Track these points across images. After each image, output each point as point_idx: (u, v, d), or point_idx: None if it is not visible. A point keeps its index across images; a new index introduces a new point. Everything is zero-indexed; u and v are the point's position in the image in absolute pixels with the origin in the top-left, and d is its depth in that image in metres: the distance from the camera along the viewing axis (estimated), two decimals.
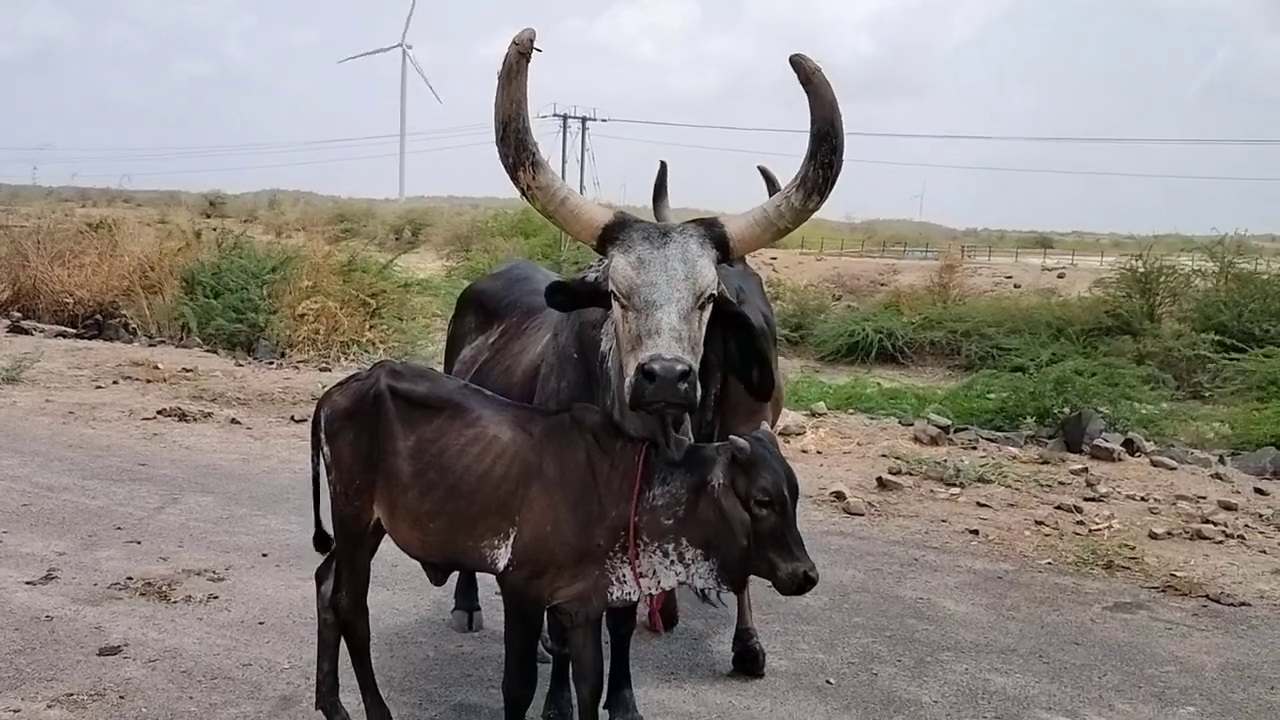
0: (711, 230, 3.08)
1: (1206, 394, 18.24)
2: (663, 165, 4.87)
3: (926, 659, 4.74)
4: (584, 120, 74.46)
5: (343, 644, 3.61)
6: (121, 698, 4.00)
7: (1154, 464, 8.63)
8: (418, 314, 16.86)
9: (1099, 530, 6.79)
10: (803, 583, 2.93)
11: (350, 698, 3.69)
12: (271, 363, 13.27)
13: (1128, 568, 6.14)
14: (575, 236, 3.27)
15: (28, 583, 5.17)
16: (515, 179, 3.14)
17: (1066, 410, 10.17)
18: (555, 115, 72.44)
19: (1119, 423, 10.22)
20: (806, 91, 2.96)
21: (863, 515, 7.09)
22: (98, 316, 15.75)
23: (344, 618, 3.55)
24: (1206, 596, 5.72)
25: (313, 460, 3.53)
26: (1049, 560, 6.27)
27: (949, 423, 9.91)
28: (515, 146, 3.09)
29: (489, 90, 3.12)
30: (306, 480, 3.65)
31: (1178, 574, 6.02)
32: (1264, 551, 6.55)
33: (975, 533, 6.74)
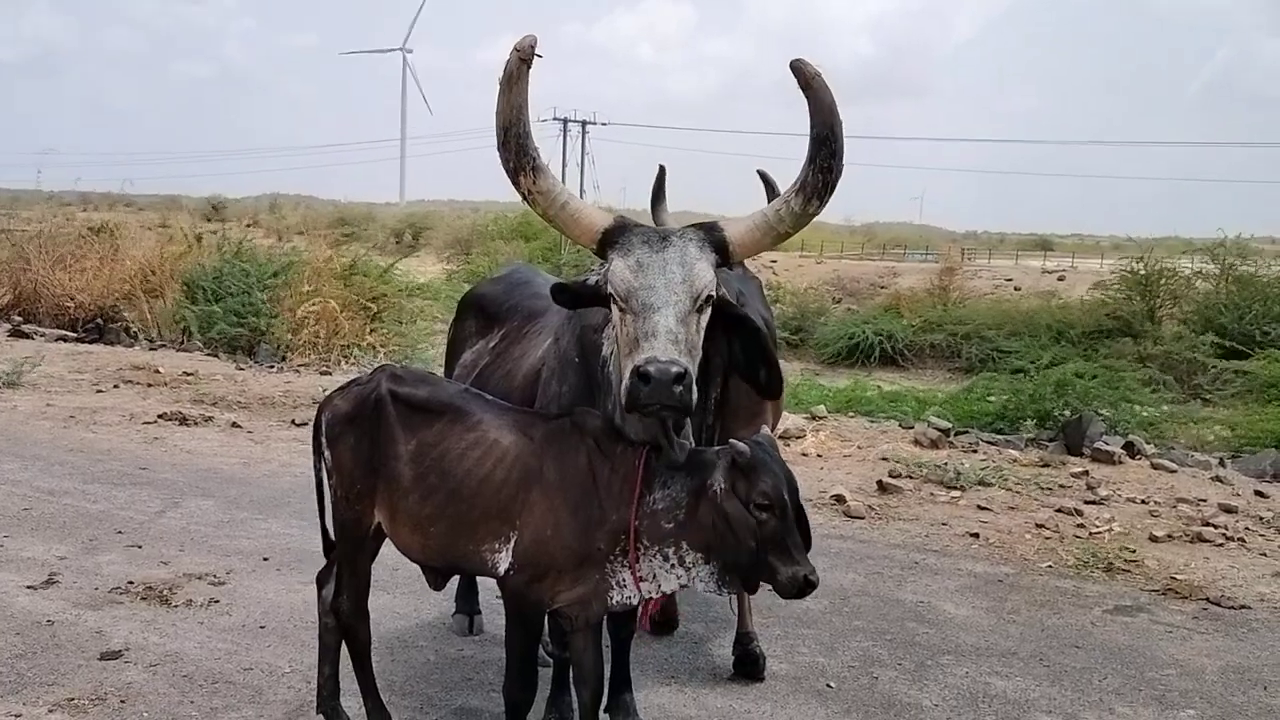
0: (711, 234, 3.10)
1: (1207, 396, 18.24)
2: (661, 169, 4.88)
3: (927, 662, 4.74)
4: (584, 124, 74.63)
5: (344, 648, 3.62)
6: (122, 702, 4.00)
7: (1154, 467, 8.63)
8: (418, 317, 16.87)
9: (1099, 533, 6.80)
10: (803, 586, 2.93)
11: (351, 701, 3.70)
12: (272, 366, 13.28)
13: (1128, 571, 6.14)
14: (575, 240, 3.28)
15: (29, 587, 5.17)
16: (516, 183, 3.16)
17: (1067, 413, 10.16)
18: (555, 119, 72.60)
19: (1119, 425, 10.22)
20: (806, 96, 2.97)
21: (863, 518, 7.10)
22: (99, 320, 15.75)
23: (345, 622, 3.56)
24: (1207, 599, 5.72)
25: (315, 466, 3.53)
26: (1049, 563, 6.27)
27: (949, 426, 9.91)
28: (516, 151, 3.11)
29: (489, 94, 3.14)
30: (307, 484, 3.66)
31: (1178, 577, 6.02)
32: (1264, 554, 6.55)
33: (976, 536, 6.74)
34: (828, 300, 35.22)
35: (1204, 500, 7.65)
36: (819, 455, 8.94)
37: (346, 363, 13.85)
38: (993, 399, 11.95)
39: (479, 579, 4.80)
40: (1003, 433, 10.23)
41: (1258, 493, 8.03)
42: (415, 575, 4.28)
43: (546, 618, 3.39)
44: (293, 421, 9.61)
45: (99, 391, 10.86)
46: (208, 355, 13.80)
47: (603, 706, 3.48)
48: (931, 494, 7.73)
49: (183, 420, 9.44)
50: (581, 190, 63.61)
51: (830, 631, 5.07)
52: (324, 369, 13.22)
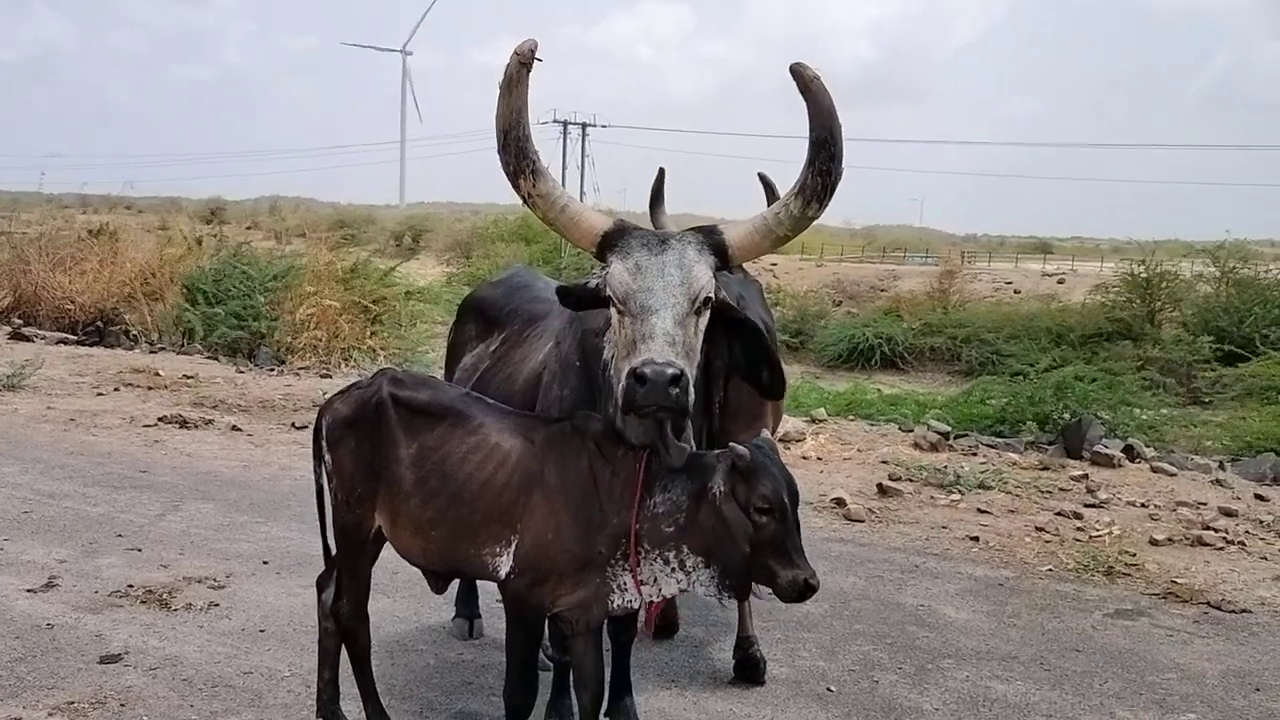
0: (710, 238, 3.10)
1: (1207, 400, 18.26)
2: (660, 171, 4.88)
3: (927, 666, 4.74)
4: (584, 126, 74.68)
5: (344, 652, 3.62)
6: (122, 705, 4.00)
7: (1154, 470, 8.63)
8: (418, 320, 16.88)
9: (1099, 537, 6.80)
10: (803, 590, 2.93)
11: (351, 706, 3.69)
12: (272, 369, 13.28)
13: (1128, 574, 6.14)
14: (575, 243, 3.28)
15: (28, 590, 5.16)
16: (516, 187, 3.16)
17: (1067, 416, 10.18)
18: (555, 121, 72.63)
19: (1119, 429, 10.24)
20: (805, 99, 2.97)
21: (863, 522, 7.09)
22: (99, 323, 15.76)
23: (345, 625, 3.55)
24: (1207, 603, 5.71)
25: (315, 470, 3.53)
26: (1049, 567, 6.27)
27: (949, 429, 9.92)
28: (516, 155, 3.11)
29: (489, 96, 3.15)
30: (307, 487, 3.66)
31: (1178, 580, 6.02)
32: (1265, 558, 6.55)
33: (976, 539, 6.74)
34: (828, 303, 35.27)
35: (1204, 504, 7.65)
36: (819, 458, 8.94)
37: (347, 366, 13.86)
38: (992, 402, 11.97)
39: (479, 583, 4.80)
40: (1002, 436, 10.24)
41: (1258, 496, 8.04)
42: (415, 579, 4.29)
43: (547, 621, 3.38)
44: (293, 425, 9.61)
45: (99, 394, 10.86)
46: (208, 358, 13.80)
47: (603, 710, 3.47)
48: (931, 497, 7.73)
49: (183, 423, 9.44)
50: (581, 193, 63.63)
51: (831, 635, 5.07)
52: (324, 372, 13.23)
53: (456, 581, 4.37)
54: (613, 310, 3.07)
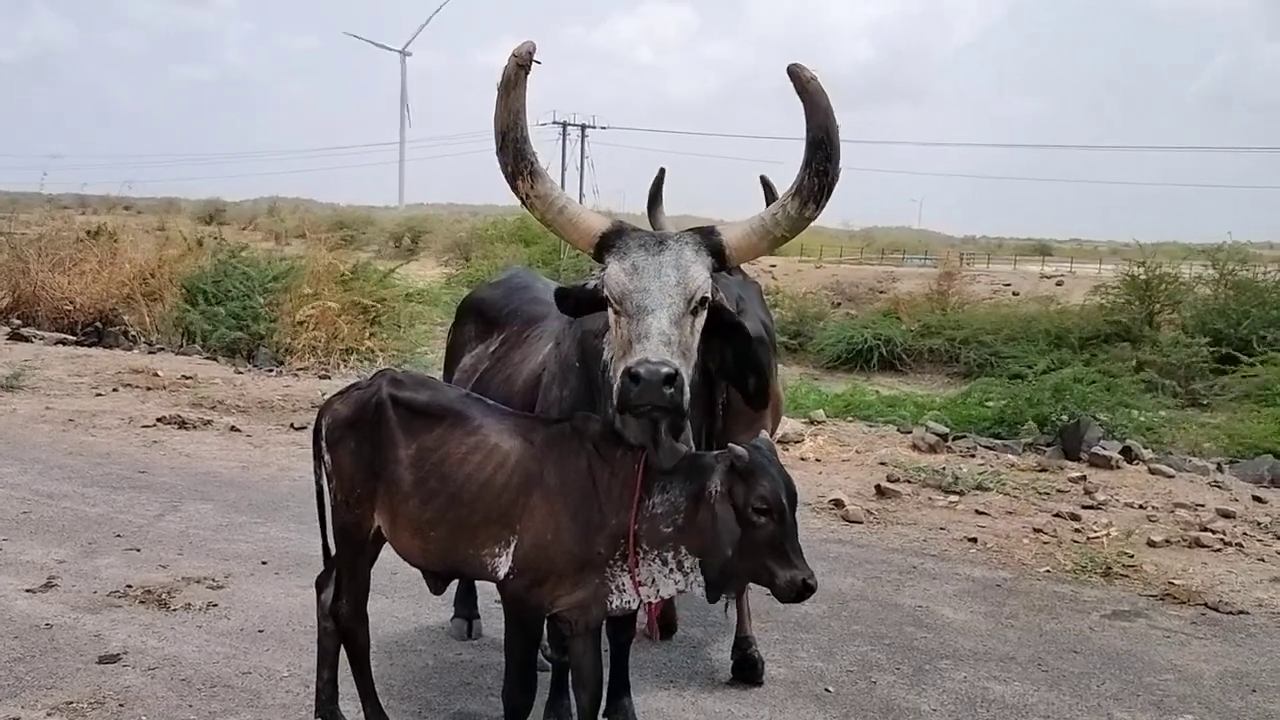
0: (708, 238, 3.11)
1: (1205, 402, 18.28)
2: (661, 171, 4.88)
3: (925, 667, 4.75)
4: (583, 128, 74.67)
5: (342, 652, 3.62)
6: (121, 706, 4.00)
7: (1152, 472, 8.64)
8: (416, 321, 16.89)
9: (1097, 538, 6.80)
10: (801, 590, 2.93)
11: (350, 706, 3.70)
12: (271, 370, 13.28)
13: (1126, 575, 6.15)
14: (574, 244, 3.29)
15: (27, 590, 5.17)
16: (514, 188, 3.18)
17: (1065, 418, 10.19)
18: (554, 123, 72.62)
19: (1117, 430, 10.24)
20: (802, 100, 2.98)
21: (861, 523, 7.10)
22: (97, 324, 15.76)
23: (344, 625, 3.56)
24: (1205, 604, 5.72)
25: (315, 470, 3.54)
26: (1047, 568, 6.28)
27: (947, 430, 9.93)
28: (514, 156, 3.13)
29: (489, 97, 3.16)
30: (306, 488, 3.66)
31: (1176, 582, 6.03)
32: (1262, 559, 6.56)
33: (974, 540, 6.75)
34: (826, 305, 35.27)
35: (1202, 505, 7.67)
36: (817, 460, 8.95)
37: (345, 366, 13.86)
38: (991, 404, 11.98)
39: (478, 583, 4.81)
40: (1001, 437, 10.25)
41: (1255, 498, 8.05)
42: (414, 580, 4.29)
43: (546, 622, 3.39)
44: (292, 425, 9.61)
45: (98, 395, 10.86)
46: (207, 359, 13.80)
47: (601, 710, 3.48)
48: (930, 499, 7.74)
49: (182, 424, 9.44)
50: (580, 194, 63.63)
51: (829, 636, 5.08)
52: (323, 373, 13.24)
53: (455, 582, 4.38)
54: (610, 311, 3.08)
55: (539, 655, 3.73)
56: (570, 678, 3.44)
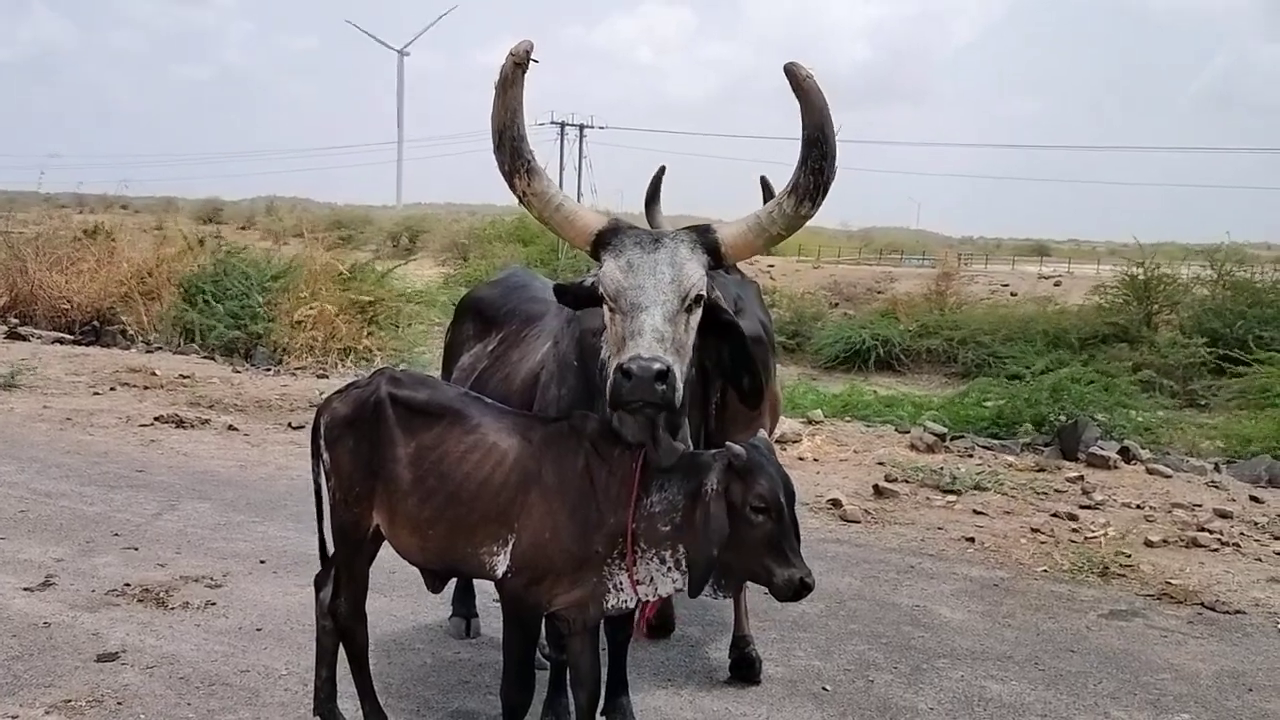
0: (704, 236, 3.12)
1: (1203, 402, 18.29)
2: (661, 169, 4.89)
3: (923, 666, 4.75)
4: (581, 128, 74.68)
5: (341, 651, 3.62)
6: (119, 704, 4.00)
7: (1150, 472, 8.65)
8: (414, 321, 16.88)
9: (1095, 538, 6.81)
10: (799, 589, 2.94)
11: (348, 704, 3.70)
12: (269, 369, 13.28)
13: (1123, 575, 6.16)
14: (570, 242, 3.30)
15: (25, 589, 5.17)
16: (511, 185, 3.20)
17: (1062, 418, 10.19)
18: (553, 123, 72.61)
19: (1115, 430, 10.25)
20: (798, 98, 2.99)
21: (859, 523, 7.11)
22: (95, 323, 15.74)
23: (343, 624, 3.56)
24: (1202, 604, 5.73)
25: (313, 469, 3.54)
26: (1045, 568, 6.29)
27: (945, 430, 9.94)
28: (511, 154, 3.15)
29: (488, 97, 3.17)
30: (304, 487, 3.66)
31: (1173, 581, 6.04)
32: (1259, 559, 6.57)
33: (971, 540, 6.75)
34: (824, 305, 35.29)
35: (1199, 505, 7.68)
36: (815, 459, 8.96)
37: (343, 366, 13.86)
38: (989, 404, 11.98)
39: (476, 582, 4.81)
40: (998, 437, 10.26)
41: (1253, 498, 8.06)
42: (412, 579, 4.29)
43: (544, 620, 3.39)
44: (289, 424, 9.61)
45: (95, 394, 10.86)
46: (204, 358, 13.80)
47: (599, 709, 3.48)
48: (927, 498, 7.75)
49: (179, 423, 9.44)
50: (579, 194, 63.64)
51: (826, 635, 5.08)
52: (321, 372, 13.23)
53: (453, 581, 4.39)
54: (605, 308, 3.09)
55: (537, 654, 3.73)
56: (568, 676, 3.45)
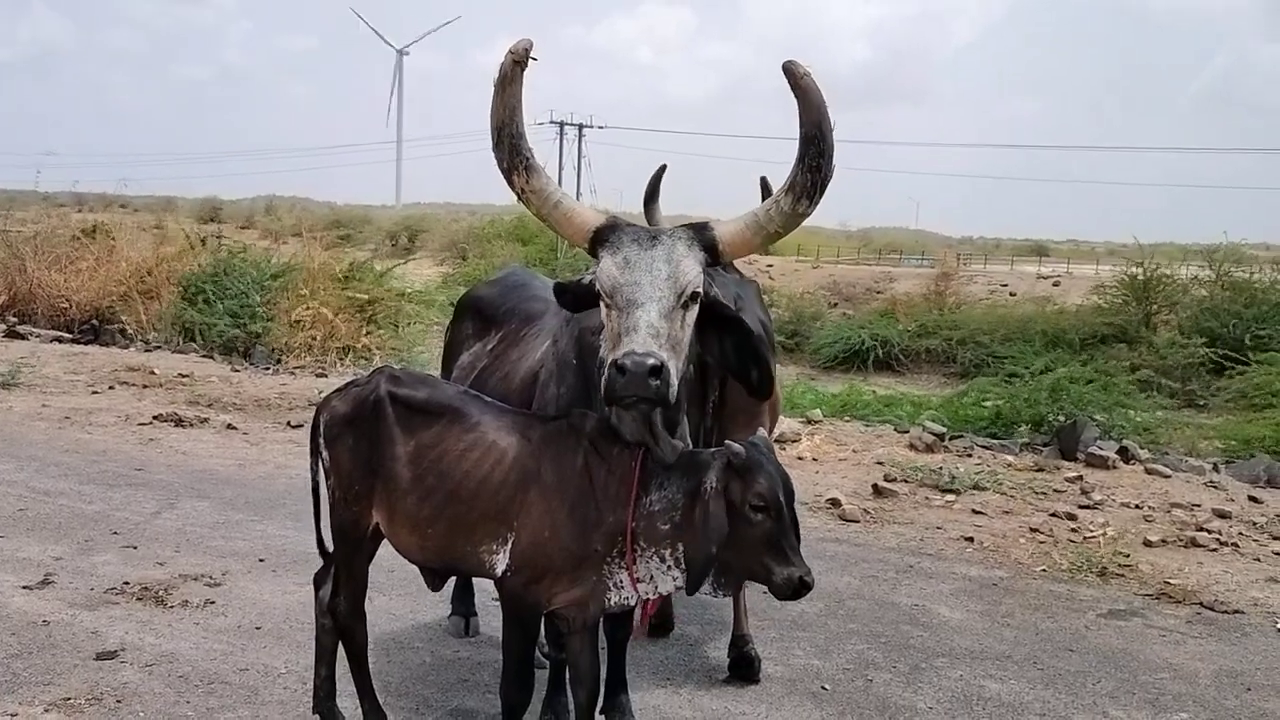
0: (701, 234, 3.12)
1: (1201, 402, 18.30)
2: (661, 168, 4.89)
3: (921, 665, 4.76)
4: (580, 127, 74.67)
5: (340, 649, 3.62)
6: (118, 702, 4.00)
7: (1148, 472, 8.66)
8: (413, 320, 16.88)
9: (1093, 537, 6.82)
10: (798, 588, 2.94)
11: (347, 702, 3.71)
12: (268, 368, 13.28)
13: (1122, 575, 6.16)
14: (569, 239, 3.31)
15: (24, 587, 5.17)
16: (510, 183, 3.20)
17: (1061, 418, 10.20)
18: (552, 122, 72.60)
19: (1113, 431, 10.26)
20: (796, 96, 2.99)
21: (858, 522, 7.11)
22: (94, 321, 15.74)
23: (342, 622, 3.56)
24: (1200, 604, 5.74)
25: (312, 467, 3.54)
26: (1043, 567, 6.29)
27: (944, 430, 9.94)
28: (509, 151, 3.16)
29: (488, 96, 3.17)
30: (303, 486, 3.66)
31: (1172, 581, 6.04)
32: (1258, 559, 6.58)
33: (970, 540, 6.76)
34: (823, 305, 35.25)
35: (1198, 505, 7.68)
36: (814, 459, 8.96)
37: (342, 365, 13.86)
38: (988, 404, 11.99)
39: (475, 581, 4.81)
40: (998, 437, 10.26)
41: (1251, 498, 8.07)
42: (411, 577, 4.30)
43: (543, 619, 3.40)
44: (288, 423, 9.61)
45: (94, 392, 10.86)
46: (203, 357, 13.80)
47: (599, 708, 3.48)
48: (926, 498, 7.75)
49: (178, 422, 9.44)
50: (578, 194, 63.55)
51: (825, 634, 5.09)
52: (320, 371, 13.23)
53: (453, 580, 4.39)
54: (602, 305, 3.09)
55: (536, 652, 3.73)
56: (568, 675, 3.45)
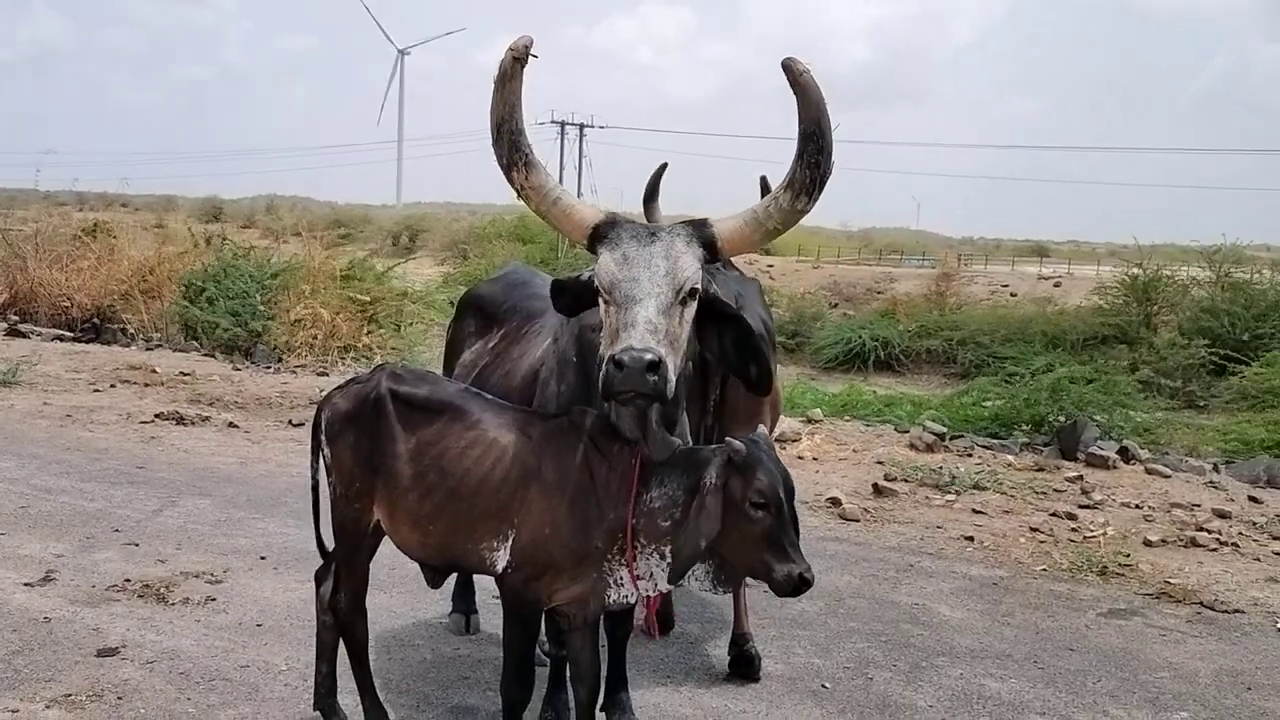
0: (700, 231, 3.13)
1: (1201, 403, 18.31)
2: (661, 166, 4.90)
3: (922, 664, 4.76)
4: (581, 127, 74.66)
5: (341, 646, 3.63)
6: (119, 699, 4.01)
7: (1149, 472, 8.66)
8: (415, 320, 16.89)
9: (1094, 537, 6.82)
10: (798, 584, 2.93)
11: (348, 699, 3.71)
12: (269, 367, 13.29)
13: (1122, 574, 6.17)
14: (568, 236, 3.32)
15: (26, 584, 5.18)
16: (509, 179, 3.21)
17: (1061, 418, 10.20)
18: (553, 122, 72.59)
19: (1114, 431, 10.26)
20: (795, 92, 3.00)
21: (858, 521, 7.12)
22: (95, 320, 15.76)
23: (343, 619, 3.57)
24: (1200, 603, 5.74)
25: (312, 465, 3.54)
26: (1044, 567, 6.30)
27: (945, 430, 9.94)
28: (509, 147, 3.17)
29: (487, 95, 3.18)
30: (304, 484, 3.67)
31: (1172, 581, 6.05)
32: (1258, 559, 6.58)
33: (970, 539, 6.76)
34: (824, 305, 35.25)
35: (1198, 505, 7.68)
36: (815, 458, 8.96)
37: (343, 364, 13.86)
38: (988, 404, 11.99)
39: (476, 579, 4.82)
40: (998, 437, 10.26)
41: (1251, 498, 8.07)
42: (412, 575, 4.30)
43: (544, 616, 3.40)
44: (290, 422, 9.62)
45: (96, 391, 10.86)
46: (204, 356, 13.81)
47: (599, 705, 3.49)
48: (926, 497, 7.76)
49: (179, 420, 9.45)
50: (579, 194, 63.49)
51: (825, 633, 5.09)
52: (321, 370, 13.24)
53: (454, 578, 4.40)
54: (601, 301, 3.09)
55: (537, 650, 3.74)
56: (568, 672, 3.45)
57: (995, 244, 74.63)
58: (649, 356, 2.81)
